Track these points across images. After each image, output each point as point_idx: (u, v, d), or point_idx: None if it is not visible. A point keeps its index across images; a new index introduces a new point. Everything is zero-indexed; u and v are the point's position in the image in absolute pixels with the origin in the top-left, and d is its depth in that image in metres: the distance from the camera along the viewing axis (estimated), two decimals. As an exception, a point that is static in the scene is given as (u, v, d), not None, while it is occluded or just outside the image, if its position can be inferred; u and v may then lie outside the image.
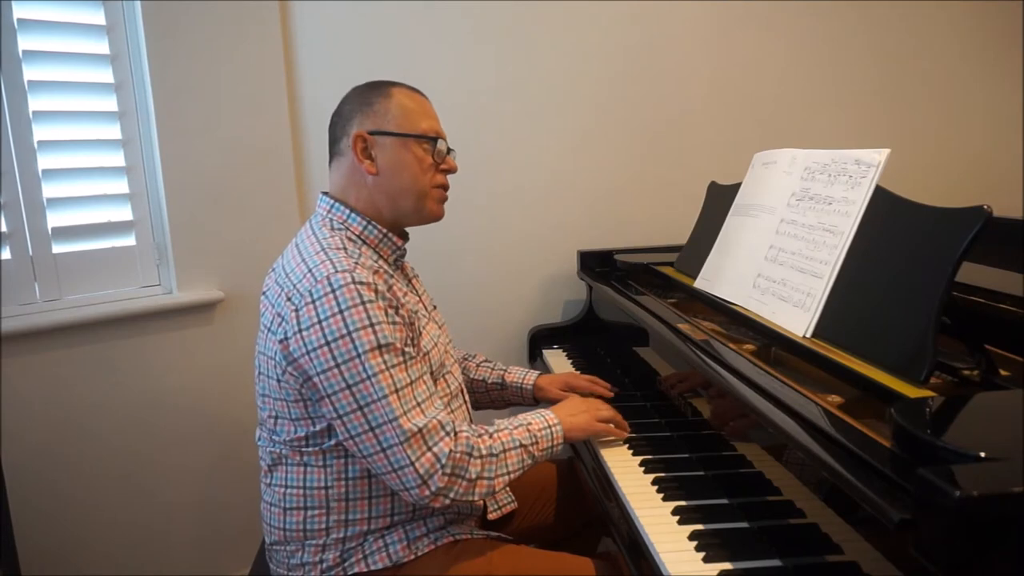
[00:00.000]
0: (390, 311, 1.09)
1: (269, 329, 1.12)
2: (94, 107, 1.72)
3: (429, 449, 1.06)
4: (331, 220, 1.21)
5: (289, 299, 1.09)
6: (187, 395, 1.82)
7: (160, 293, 1.82)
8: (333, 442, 1.12)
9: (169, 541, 1.85)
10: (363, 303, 1.05)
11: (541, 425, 1.22)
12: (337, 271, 1.07)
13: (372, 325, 1.05)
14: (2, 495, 1.36)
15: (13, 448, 1.57)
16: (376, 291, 1.08)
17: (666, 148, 2.23)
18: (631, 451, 1.31)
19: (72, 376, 1.68)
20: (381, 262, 1.20)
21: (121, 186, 1.75)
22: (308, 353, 1.05)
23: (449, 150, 1.27)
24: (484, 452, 1.12)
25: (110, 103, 1.72)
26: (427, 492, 1.06)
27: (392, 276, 1.17)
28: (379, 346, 1.05)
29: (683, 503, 1.11)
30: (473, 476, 1.10)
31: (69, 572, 1.69)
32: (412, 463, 1.05)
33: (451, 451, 1.08)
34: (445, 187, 1.27)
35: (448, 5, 2.00)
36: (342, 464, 1.14)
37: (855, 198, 1.19)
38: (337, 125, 1.24)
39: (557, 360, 1.91)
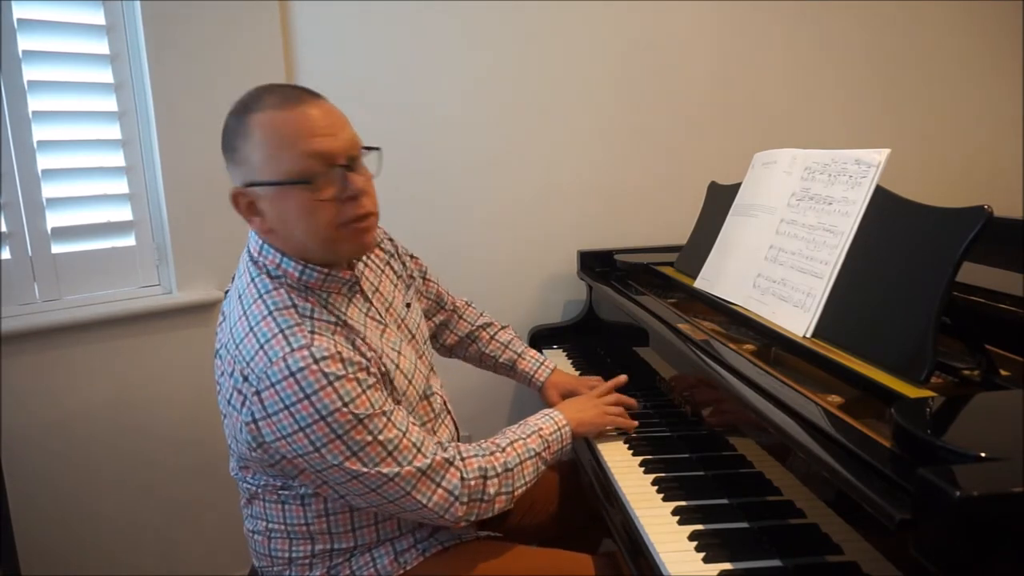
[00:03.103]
0: (361, 376, 0.98)
1: (229, 402, 1.02)
2: (94, 107, 1.72)
3: (439, 486, 1.05)
4: (266, 266, 1.06)
5: (246, 379, 0.98)
6: (187, 395, 1.82)
7: (160, 293, 1.81)
8: (311, 491, 1.08)
9: (169, 541, 1.85)
10: (330, 384, 0.95)
11: (552, 429, 1.22)
12: (293, 349, 0.95)
13: (346, 404, 0.96)
14: (2, 495, 1.36)
15: (13, 448, 1.57)
16: (342, 360, 0.97)
17: (666, 148, 2.23)
18: (631, 451, 1.31)
19: (72, 376, 1.67)
20: (335, 299, 1.08)
21: (121, 186, 1.75)
22: (283, 438, 0.97)
23: (357, 160, 1.03)
24: (500, 470, 1.11)
25: (110, 103, 1.72)
26: (447, 521, 1.07)
27: (353, 326, 1.07)
28: (359, 421, 0.97)
29: (683, 503, 1.11)
30: (492, 495, 1.10)
31: (69, 572, 1.69)
32: (425, 504, 1.04)
33: (463, 480, 1.06)
34: (358, 217, 1.03)
35: (449, 5, 2.00)
36: (321, 504, 1.09)
37: (855, 198, 1.19)
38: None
39: (557, 360, 1.90)
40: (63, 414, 1.67)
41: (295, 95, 1.02)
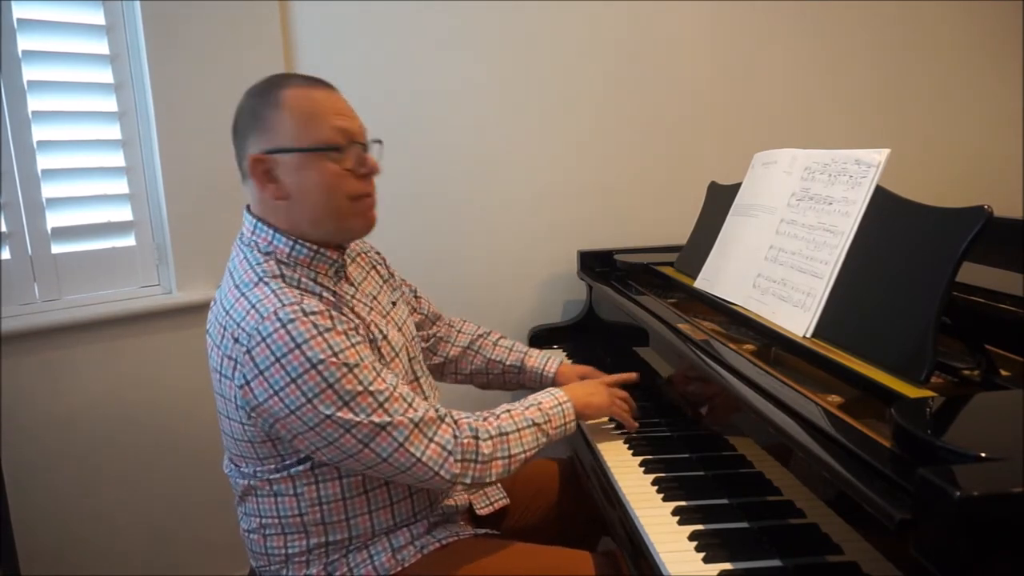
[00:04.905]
0: (350, 331, 1.03)
1: (221, 373, 1.05)
2: (94, 107, 1.72)
3: (431, 440, 1.05)
4: (256, 242, 1.12)
5: (237, 340, 1.01)
6: (186, 395, 1.82)
7: (160, 293, 1.81)
8: (302, 467, 1.09)
9: (169, 541, 1.85)
10: (320, 334, 0.99)
11: (552, 403, 1.22)
12: (284, 304, 1.00)
13: (336, 354, 0.99)
14: (2, 495, 1.36)
15: (13, 448, 1.57)
16: (331, 317, 1.02)
17: (666, 148, 2.23)
18: (631, 451, 1.31)
19: (72, 376, 1.67)
20: (322, 279, 1.13)
21: (121, 186, 1.75)
22: (276, 394, 0.99)
23: (369, 145, 1.14)
24: (493, 432, 1.11)
25: (110, 103, 1.72)
26: (442, 481, 1.06)
27: (337, 296, 1.12)
28: (350, 369, 1.00)
29: (683, 503, 1.11)
30: (487, 455, 1.09)
31: (69, 572, 1.69)
32: (419, 459, 1.04)
33: (455, 437, 1.07)
34: (368, 194, 1.13)
35: (448, 5, 2.00)
36: (313, 492, 1.10)
37: (855, 198, 1.19)
38: (236, 142, 1.14)
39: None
40: (63, 414, 1.67)
41: (321, 80, 1.15)
